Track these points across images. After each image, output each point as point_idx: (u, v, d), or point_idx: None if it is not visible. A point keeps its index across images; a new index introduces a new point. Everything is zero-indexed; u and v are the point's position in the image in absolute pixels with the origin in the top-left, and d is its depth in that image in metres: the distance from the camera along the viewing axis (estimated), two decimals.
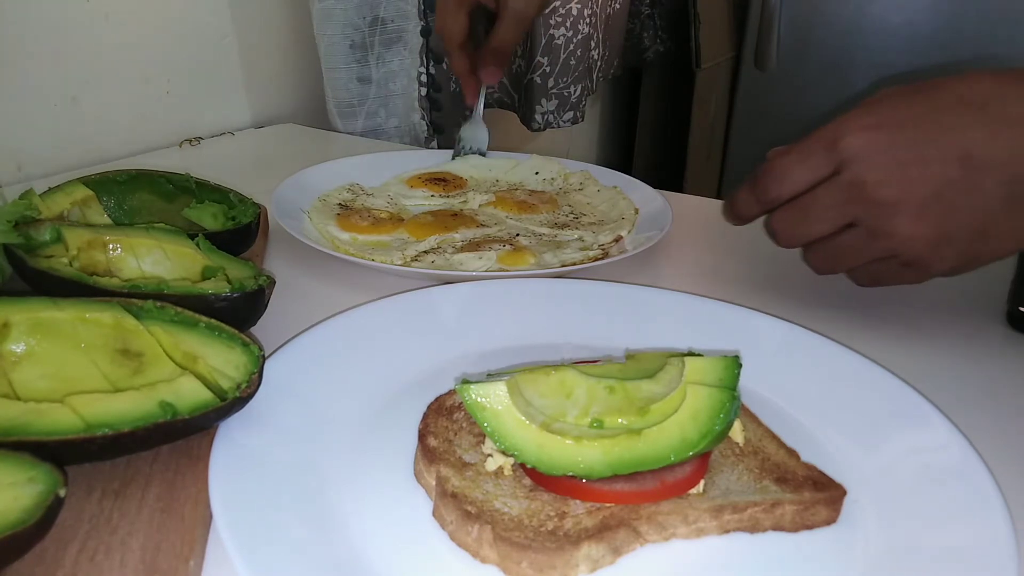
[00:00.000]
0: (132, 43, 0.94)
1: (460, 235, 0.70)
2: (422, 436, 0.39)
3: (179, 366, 0.39)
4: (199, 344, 0.40)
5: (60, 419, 0.34)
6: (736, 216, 0.54)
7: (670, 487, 0.36)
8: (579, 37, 1.37)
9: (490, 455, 0.38)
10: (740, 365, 0.38)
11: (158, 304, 0.41)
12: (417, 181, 0.82)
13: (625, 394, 0.38)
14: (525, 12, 0.80)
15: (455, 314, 0.53)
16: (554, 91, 1.36)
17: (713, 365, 0.38)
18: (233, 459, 0.36)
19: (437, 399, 0.43)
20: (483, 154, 0.88)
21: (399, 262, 0.63)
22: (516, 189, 0.82)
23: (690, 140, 2.15)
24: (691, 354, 0.40)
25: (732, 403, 0.36)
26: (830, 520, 0.36)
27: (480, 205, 0.77)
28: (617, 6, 1.61)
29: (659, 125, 2.27)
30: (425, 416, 0.41)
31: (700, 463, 0.37)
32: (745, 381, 0.38)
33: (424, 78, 1.12)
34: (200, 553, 0.34)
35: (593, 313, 0.54)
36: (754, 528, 0.36)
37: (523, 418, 0.36)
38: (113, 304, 0.40)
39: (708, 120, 2.17)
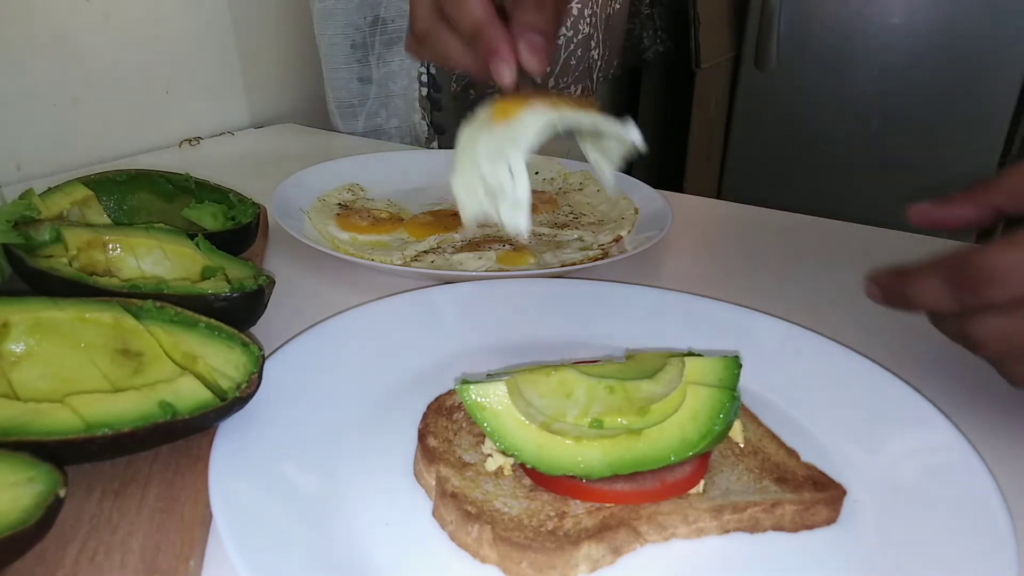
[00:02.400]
0: (132, 43, 0.94)
1: (460, 235, 0.70)
2: (422, 436, 0.39)
3: (179, 366, 0.39)
4: (199, 344, 0.40)
5: (60, 419, 0.34)
6: (906, 303, 0.43)
7: (670, 487, 0.36)
8: (579, 37, 1.37)
9: (490, 455, 0.38)
10: (740, 365, 0.38)
11: (158, 304, 0.41)
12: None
13: (625, 394, 0.38)
14: None
15: (455, 314, 0.53)
16: (554, 91, 1.36)
17: (713, 365, 0.38)
18: (233, 459, 0.36)
19: (437, 399, 0.43)
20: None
21: (399, 262, 0.63)
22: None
23: (690, 140, 2.15)
24: (691, 354, 0.40)
25: (732, 403, 0.36)
26: (830, 520, 0.36)
27: None
28: (617, 6, 1.61)
29: (659, 125, 2.27)
30: (425, 416, 0.41)
31: (700, 463, 0.36)
32: (745, 381, 0.38)
33: (425, 78, 1.12)
34: (200, 553, 0.33)
35: (593, 313, 0.54)
36: (754, 528, 0.36)
37: (523, 418, 0.36)
38: (113, 304, 0.40)
39: (708, 120, 2.17)
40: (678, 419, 0.36)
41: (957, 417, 0.41)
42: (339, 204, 0.75)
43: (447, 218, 0.72)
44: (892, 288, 0.44)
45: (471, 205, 0.43)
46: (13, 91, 0.83)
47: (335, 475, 0.38)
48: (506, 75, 0.45)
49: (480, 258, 0.64)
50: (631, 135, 0.44)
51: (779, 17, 1.92)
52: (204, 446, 0.38)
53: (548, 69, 0.52)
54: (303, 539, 0.33)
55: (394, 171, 0.84)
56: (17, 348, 0.39)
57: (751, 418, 0.42)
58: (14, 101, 0.84)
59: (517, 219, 0.41)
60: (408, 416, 0.42)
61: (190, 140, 1.02)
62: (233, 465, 0.36)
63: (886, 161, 1.91)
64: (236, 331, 0.41)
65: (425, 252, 0.66)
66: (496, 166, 0.41)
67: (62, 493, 0.30)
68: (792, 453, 0.40)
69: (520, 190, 0.41)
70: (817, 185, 1.96)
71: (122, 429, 0.34)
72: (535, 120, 0.41)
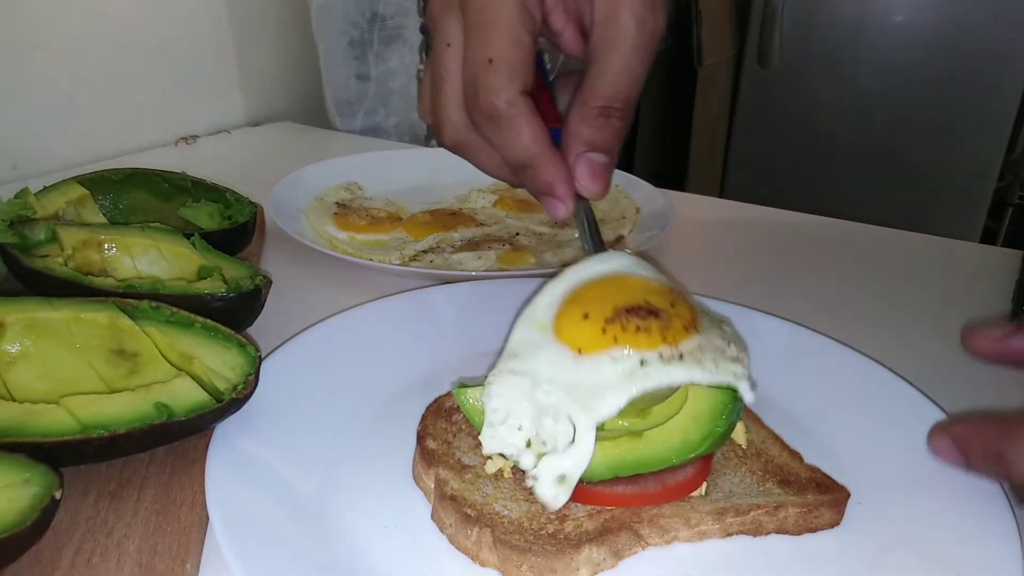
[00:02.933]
0: (128, 41, 0.94)
1: (459, 234, 0.69)
2: (421, 438, 0.39)
3: (175, 367, 0.39)
4: (195, 345, 0.39)
5: (56, 420, 0.34)
6: (1002, 468, 0.34)
7: (672, 489, 0.35)
8: None
9: (489, 457, 0.37)
10: None
11: (153, 304, 0.41)
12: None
13: None
14: (641, 41, 0.39)
15: (454, 314, 0.53)
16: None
17: None
18: (229, 461, 0.36)
19: (436, 400, 0.42)
20: None
21: (397, 262, 0.63)
22: (517, 187, 0.82)
23: (692, 138, 2.14)
24: None
25: (734, 404, 0.36)
26: (834, 522, 0.36)
27: (481, 205, 0.77)
28: None
29: (660, 123, 2.27)
30: (424, 418, 0.41)
31: (702, 465, 0.36)
32: None
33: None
34: (196, 556, 0.33)
35: None
36: (757, 531, 0.36)
37: None
38: (108, 304, 0.40)
39: (710, 118, 2.17)
40: (680, 420, 0.35)
41: None
42: (337, 203, 0.75)
43: (446, 217, 0.72)
44: (977, 444, 0.35)
45: (500, 431, 0.34)
46: (9, 89, 0.83)
47: (333, 478, 0.38)
48: (561, 214, 0.39)
49: (480, 258, 0.64)
50: (743, 392, 0.35)
51: (782, 14, 1.92)
52: (200, 448, 0.37)
53: (552, 79, 0.43)
54: (300, 542, 0.33)
55: (393, 170, 0.84)
56: (12, 348, 0.38)
57: (754, 419, 0.42)
58: (10, 99, 0.83)
59: (555, 492, 0.33)
60: (406, 418, 0.41)
61: (186, 138, 1.02)
62: (229, 467, 0.36)
63: (890, 159, 1.91)
64: (233, 332, 0.41)
65: (424, 252, 0.66)
66: (557, 415, 0.33)
67: (58, 495, 0.30)
68: (795, 455, 0.39)
69: (574, 461, 0.32)
70: (821, 183, 1.95)
71: (118, 430, 0.34)
72: (620, 388, 0.33)
